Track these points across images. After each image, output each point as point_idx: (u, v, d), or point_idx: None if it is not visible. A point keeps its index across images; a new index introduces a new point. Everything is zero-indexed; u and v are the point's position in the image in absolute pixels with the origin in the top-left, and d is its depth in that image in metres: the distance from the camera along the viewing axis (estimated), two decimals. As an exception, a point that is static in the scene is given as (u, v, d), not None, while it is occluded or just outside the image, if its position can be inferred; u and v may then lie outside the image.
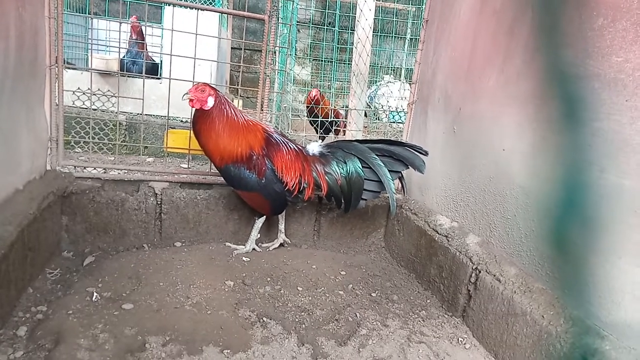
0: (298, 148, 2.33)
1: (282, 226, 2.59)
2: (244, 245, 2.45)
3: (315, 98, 4.47)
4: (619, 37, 1.37)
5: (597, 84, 1.43)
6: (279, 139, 2.30)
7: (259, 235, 2.49)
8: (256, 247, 2.48)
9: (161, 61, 4.49)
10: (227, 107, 2.16)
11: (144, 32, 4.41)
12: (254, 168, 2.20)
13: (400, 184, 2.38)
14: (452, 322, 1.98)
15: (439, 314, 2.05)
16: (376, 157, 2.23)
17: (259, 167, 2.21)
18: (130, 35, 4.45)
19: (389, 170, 2.23)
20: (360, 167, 2.26)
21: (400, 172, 2.28)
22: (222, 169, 2.23)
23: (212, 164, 2.31)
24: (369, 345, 1.73)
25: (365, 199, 2.32)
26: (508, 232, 1.84)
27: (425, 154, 2.21)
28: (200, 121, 2.16)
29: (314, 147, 2.36)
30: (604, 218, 1.40)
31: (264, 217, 2.44)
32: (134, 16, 4.41)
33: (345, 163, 2.28)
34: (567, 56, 1.56)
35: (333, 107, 4.87)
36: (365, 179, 2.26)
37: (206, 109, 2.12)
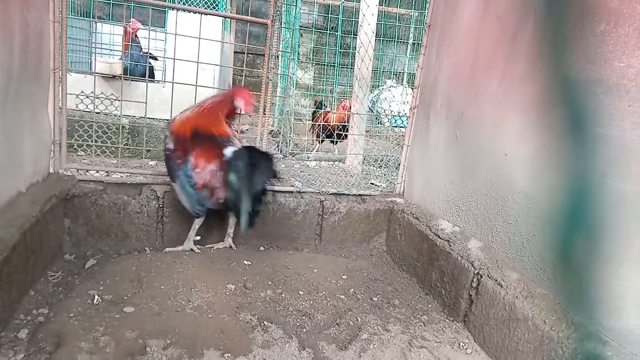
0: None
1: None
2: (182, 245, 2.37)
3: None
4: (621, 43, 1.37)
5: (599, 90, 1.43)
6: (211, 136, 2.23)
7: (199, 237, 2.42)
8: (194, 248, 2.37)
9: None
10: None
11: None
12: (177, 158, 2.22)
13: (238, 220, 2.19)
14: (454, 327, 1.97)
15: (440, 318, 2.05)
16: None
17: (179, 159, 2.22)
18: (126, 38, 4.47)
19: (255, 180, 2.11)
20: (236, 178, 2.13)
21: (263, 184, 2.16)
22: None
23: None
24: (370, 350, 1.73)
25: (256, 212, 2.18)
26: (510, 237, 1.84)
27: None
28: None
29: (228, 151, 2.21)
30: (606, 224, 1.39)
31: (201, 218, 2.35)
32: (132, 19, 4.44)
33: (231, 172, 2.16)
34: (569, 61, 1.56)
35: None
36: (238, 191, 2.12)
37: None
